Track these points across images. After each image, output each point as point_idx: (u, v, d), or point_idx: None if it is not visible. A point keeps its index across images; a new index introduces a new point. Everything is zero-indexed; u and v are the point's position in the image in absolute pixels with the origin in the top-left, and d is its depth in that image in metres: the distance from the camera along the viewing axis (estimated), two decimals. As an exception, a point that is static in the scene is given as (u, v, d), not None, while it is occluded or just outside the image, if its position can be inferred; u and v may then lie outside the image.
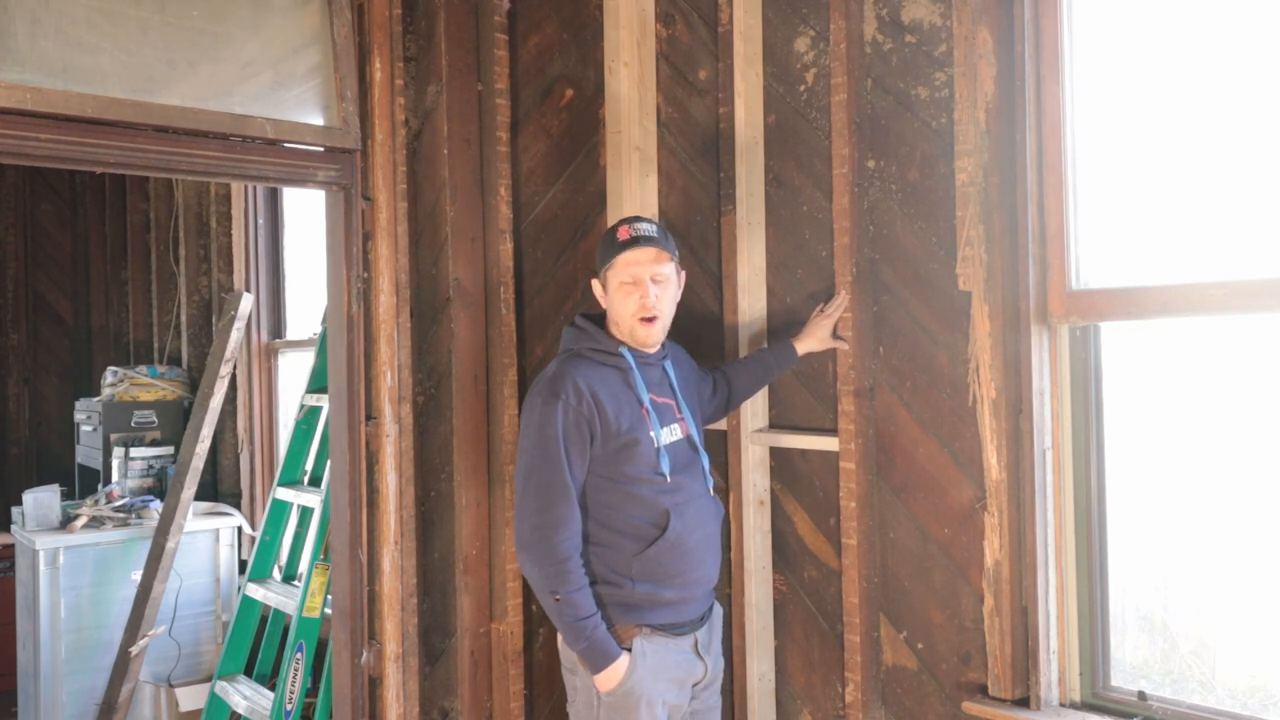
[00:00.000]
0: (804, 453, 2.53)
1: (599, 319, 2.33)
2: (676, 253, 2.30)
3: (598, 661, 2.15)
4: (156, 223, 5.36)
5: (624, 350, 2.26)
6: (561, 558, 2.14)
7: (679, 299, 2.33)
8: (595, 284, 2.33)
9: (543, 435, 2.18)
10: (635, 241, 2.22)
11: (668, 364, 2.34)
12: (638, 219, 2.28)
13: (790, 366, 2.50)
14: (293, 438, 3.81)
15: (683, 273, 2.36)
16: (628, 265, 2.22)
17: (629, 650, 2.17)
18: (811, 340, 2.44)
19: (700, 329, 2.79)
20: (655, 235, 2.24)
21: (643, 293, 2.22)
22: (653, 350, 2.31)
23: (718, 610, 2.40)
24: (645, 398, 2.24)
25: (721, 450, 2.69)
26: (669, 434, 2.26)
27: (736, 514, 2.60)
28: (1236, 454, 2.01)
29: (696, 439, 2.31)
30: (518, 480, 2.23)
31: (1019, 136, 2.13)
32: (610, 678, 2.15)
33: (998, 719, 2.11)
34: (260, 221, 4.79)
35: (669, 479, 2.21)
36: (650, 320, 2.24)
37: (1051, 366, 2.13)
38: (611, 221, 2.96)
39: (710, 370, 2.52)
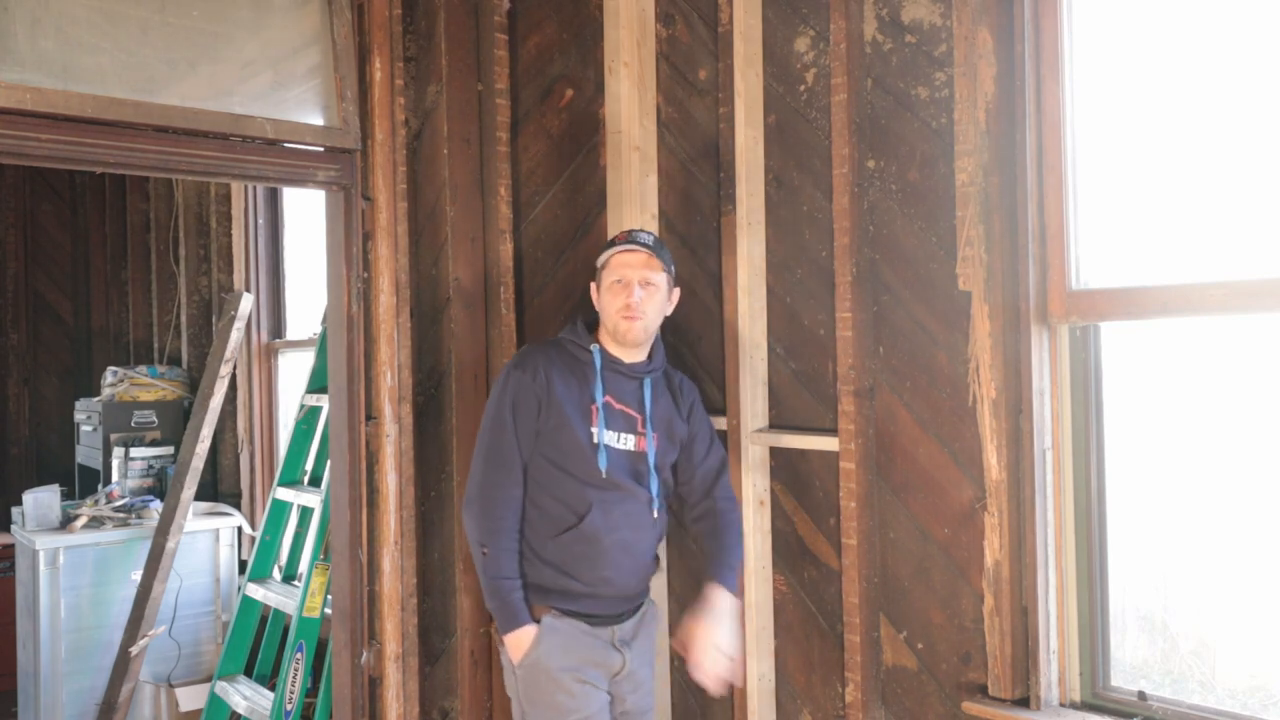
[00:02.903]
0: (804, 453, 2.53)
1: (593, 324, 2.45)
2: (672, 267, 2.42)
3: (506, 622, 2.26)
4: (156, 223, 5.36)
5: (595, 350, 2.37)
6: (497, 515, 2.28)
7: (668, 312, 2.43)
8: (592, 285, 2.45)
9: (498, 403, 2.35)
10: (629, 244, 2.35)
11: (648, 381, 2.41)
12: (639, 230, 2.42)
13: (711, 575, 2.35)
14: (293, 438, 3.81)
15: (676, 290, 2.46)
16: (619, 266, 2.35)
17: (539, 622, 2.28)
18: (699, 632, 2.25)
19: (700, 329, 2.79)
20: (650, 243, 2.36)
21: (629, 293, 2.32)
22: (631, 359, 2.39)
23: (652, 613, 2.49)
24: (599, 397, 2.33)
25: (721, 450, 2.69)
26: (618, 439, 2.35)
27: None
28: (1236, 454, 2.01)
29: (652, 458, 2.38)
30: (477, 442, 2.38)
31: (1019, 136, 2.13)
32: (517, 643, 2.26)
33: (998, 719, 2.11)
34: (260, 221, 4.79)
35: (604, 474, 2.29)
36: (633, 319, 2.33)
37: (1051, 366, 2.14)
38: (612, 221, 2.96)
39: (696, 453, 2.46)
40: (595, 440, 2.31)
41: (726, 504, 2.48)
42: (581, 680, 2.28)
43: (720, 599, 2.28)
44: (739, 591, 2.35)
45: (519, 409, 2.32)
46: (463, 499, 2.46)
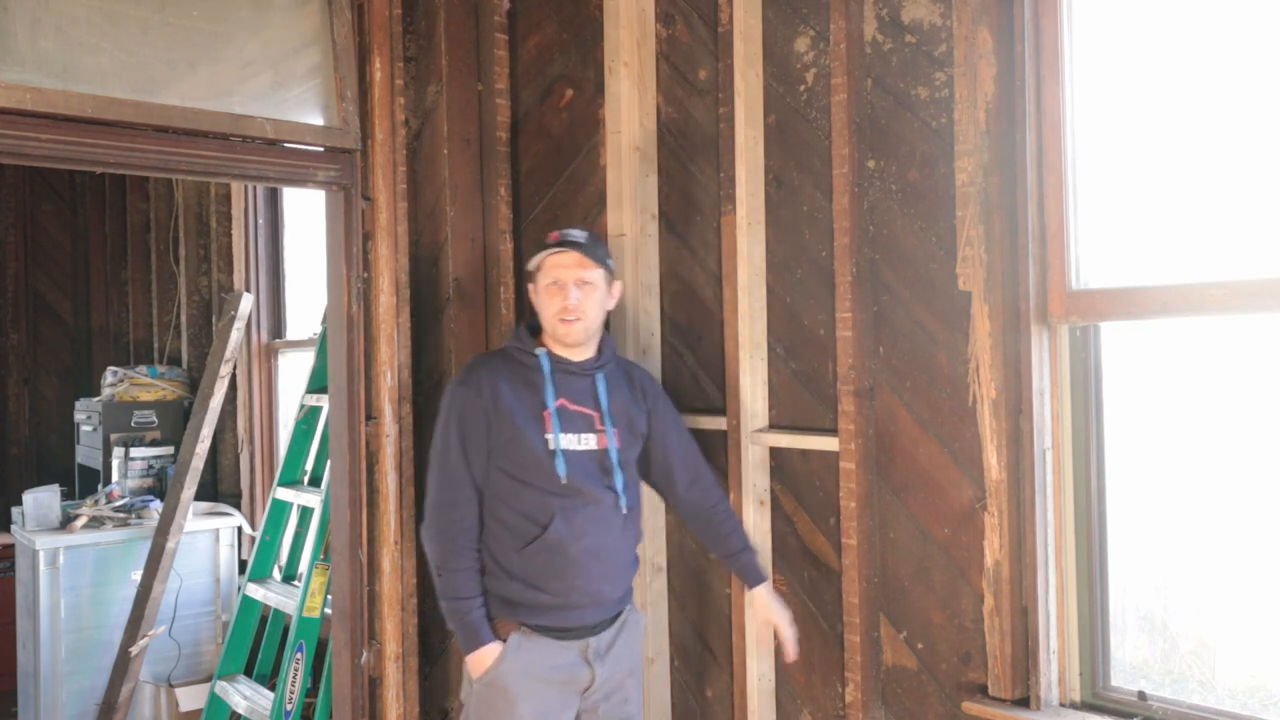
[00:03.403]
0: (804, 453, 2.53)
1: (537, 328, 2.41)
2: (609, 263, 2.38)
3: (468, 642, 2.24)
4: (156, 223, 5.36)
5: (541, 354, 2.33)
6: (450, 536, 2.26)
7: (610, 307, 2.41)
8: (530, 287, 2.41)
9: (446, 420, 2.32)
10: (560, 245, 2.31)
11: (600, 377, 2.38)
12: (572, 227, 2.38)
13: (735, 568, 2.49)
14: (293, 438, 3.81)
15: (617, 284, 2.43)
16: (552, 268, 2.31)
17: (504, 642, 2.24)
18: (762, 607, 2.45)
19: (700, 329, 2.79)
20: (582, 242, 2.32)
21: (565, 295, 2.29)
22: (579, 358, 2.36)
23: (634, 620, 2.43)
24: (551, 402, 2.29)
25: (722, 450, 2.69)
26: (576, 441, 2.30)
27: (737, 514, 2.60)
28: (1237, 454, 2.01)
29: (613, 457, 2.33)
30: (430, 460, 2.35)
31: (1019, 136, 2.13)
32: (478, 662, 2.23)
33: (998, 719, 2.11)
34: (260, 221, 4.80)
35: (564, 480, 2.25)
36: (571, 321, 2.30)
37: (1051, 366, 2.14)
38: (613, 221, 2.96)
39: (673, 451, 2.48)
40: (552, 447, 2.26)
41: (716, 494, 2.49)
42: (539, 703, 2.23)
43: (765, 594, 2.45)
44: (765, 574, 2.48)
45: (466, 427, 2.28)
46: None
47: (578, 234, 2.34)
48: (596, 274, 2.33)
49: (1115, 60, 2.10)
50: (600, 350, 2.42)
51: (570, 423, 2.31)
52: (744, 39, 2.57)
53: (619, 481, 2.33)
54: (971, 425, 2.17)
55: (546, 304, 2.32)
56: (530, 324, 2.43)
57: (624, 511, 2.34)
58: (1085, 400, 2.11)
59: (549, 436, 2.27)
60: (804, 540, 2.54)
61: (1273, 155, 1.88)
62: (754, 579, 2.45)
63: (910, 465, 2.29)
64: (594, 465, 2.32)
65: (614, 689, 2.34)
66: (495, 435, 2.27)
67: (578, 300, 2.29)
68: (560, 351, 2.35)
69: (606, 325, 2.47)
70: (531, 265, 2.37)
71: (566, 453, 2.28)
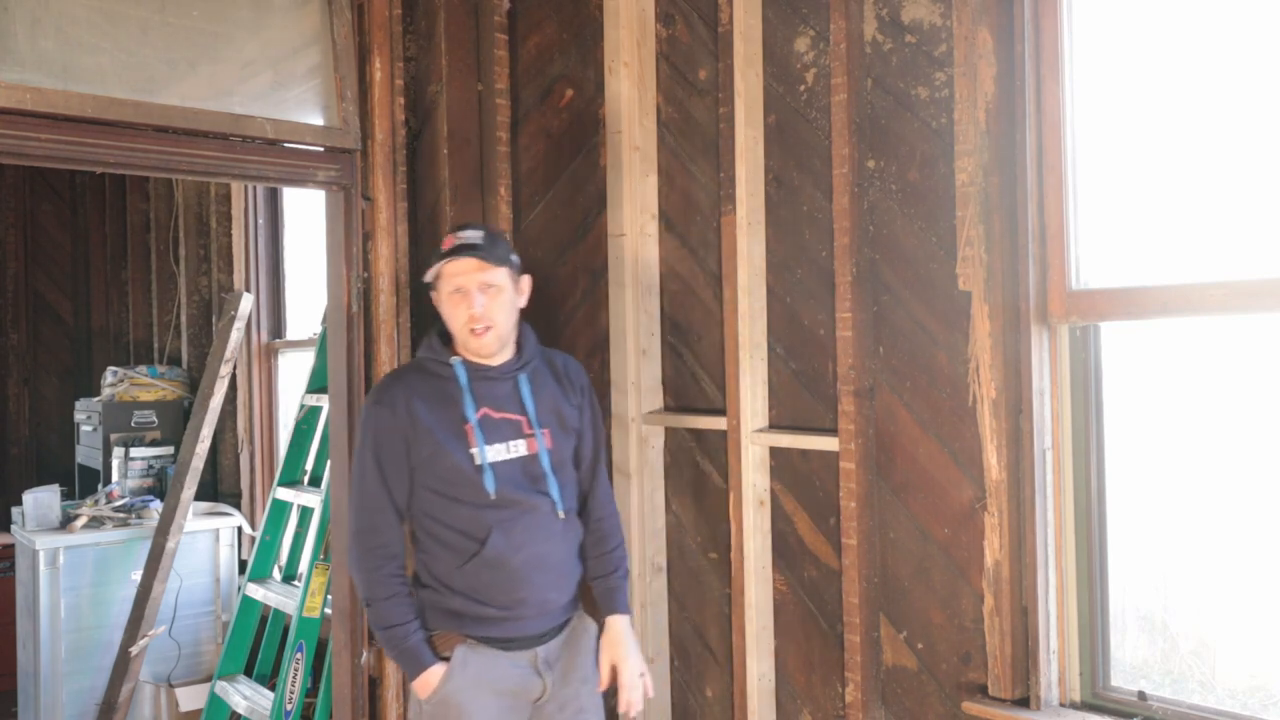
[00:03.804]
0: (804, 453, 2.53)
1: (451, 334, 2.27)
2: (514, 258, 2.24)
3: (411, 668, 2.16)
4: (156, 223, 5.36)
5: (456, 364, 2.21)
6: (372, 566, 2.16)
7: (522, 304, 2.27)
8: (433, 295, 2.27)
9: (362, 443, 2.21)
10: (456, 251, 2.16)
11: (523, 378, 2.27)
12: (466, 226, 2.23)
13: (600, 589, 2.36)
14: (293, 438, 3.81)
15: (525, 278, 2.30)
16: (451, 276, 2.18)
17: (448, 659, 2.16)
18: (614, 644, 2.32)
19: (700, 329, 2.79)
20: (479, 243, 2.17)
21: (469, 303, 2.15)
22: (497, 362, 2.24)
23: (583, 628, 2.33)
24: (471, 414, 2.18)
25: (721, 450, 2.69)
26: (505, 450, 2.20)
27: (736, 514, 2.60)
28: (1237, 454, 2.01)
29: (545, 461, 2.23)
30: (349, 486, 2.26)
31: (1019, 136, 2.13)
32: (424, 685, 2.15)
33: (998, 719, 2.11)
34: (260, 221, 4.80)
35: (493, 495, 2.15)
36: (480, 332, 2.17)
37: (1051, 366, 2.14)
38: (612, 222, 2.96)
39: (591, 451, 2.38)
40: (478, 461, 2.16)
41: (604, 509, 2.39)
42: (490, 716, 2.17)
43: (620, 627, 2.34)
44: (629, 605, 2.39)
45: (383, 449, 2.17)
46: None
47: (473, 234, 2.19)
48: (500, 274, 2.18)
49: (1115, 60, 2.10)
50: (520, 348, 2.29)
51: (496, 432, 2.20)
52: (744, 39, 2.57)
53: (553, 487, 2.23)
54: (971, 425, 2.17)
55: (452, 314, 2.19)
56: (442, 330, 2.28)
57: (562, 516, 2.25)
58: (1085, 400, 2.11)
59: (474, 451, 2.16)
60: (804, 540, 2.54)
61: (1272, 155, 1.88)
62: (616, 607, 2.34)
63: (910, 465, 2.29)
64: (526, 472, 2.22)
65: (568, 699, 2.26)
66: (416, 454, 2.16)
67: (484, 307, 2.16)
68: (477, 359, 2.23)
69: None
70: (429, 276, 2.21)
71: (495, 465, 2.17)
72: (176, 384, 4.88)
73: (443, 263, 2.18)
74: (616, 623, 2.34)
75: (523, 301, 2.28)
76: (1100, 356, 2.11)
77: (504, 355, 2.26)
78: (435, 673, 2.15)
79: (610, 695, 2.34)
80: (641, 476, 2.91)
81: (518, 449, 2.22)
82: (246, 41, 2.74)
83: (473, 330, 2.17)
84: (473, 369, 2.23)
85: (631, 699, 2.31)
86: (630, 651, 2.33)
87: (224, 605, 4.32)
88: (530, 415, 2.25)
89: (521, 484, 2.20)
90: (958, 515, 2.21)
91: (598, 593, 2.37)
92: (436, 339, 2.27)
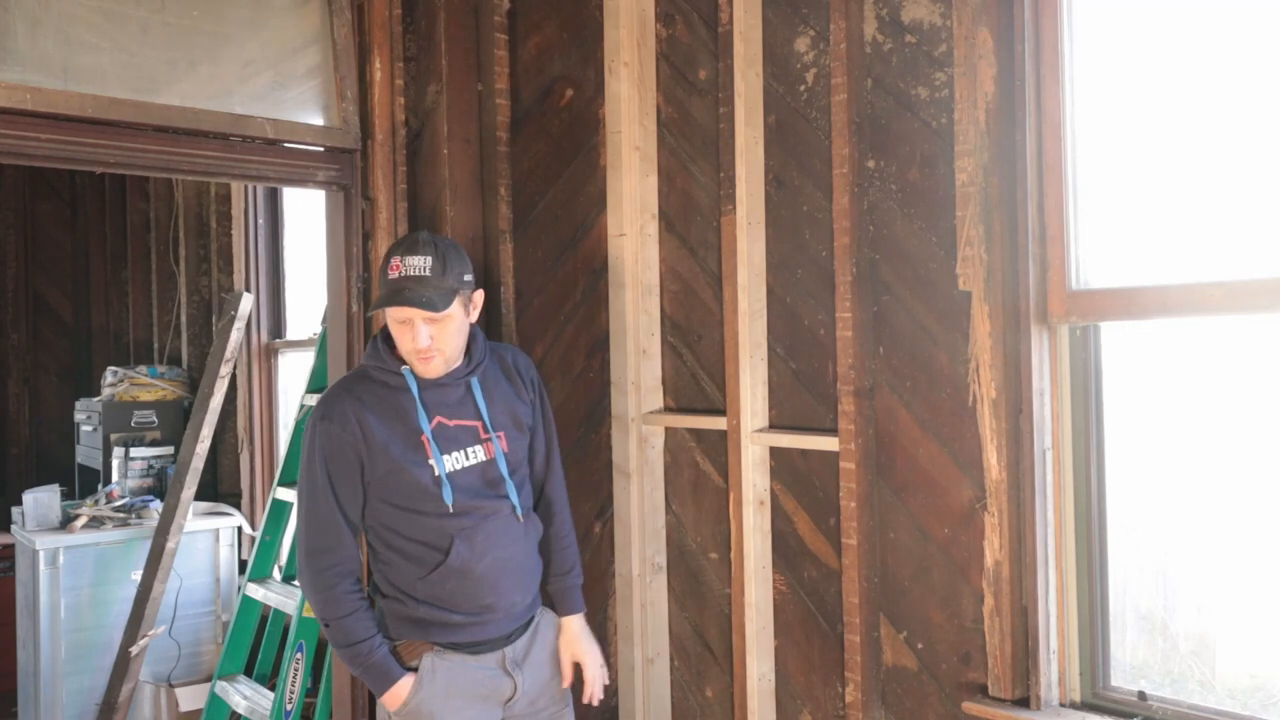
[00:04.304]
0: (804, 453, 2.53)
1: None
2: (465, 281, 2.11)
3: (378, 684, 2.11)
4: (156, 223, 5.36)
5: (406, 372, 2.13)
6: (326, 585, 2.09)
7: (474, 319, 2.20)
8: (376, 315, 2.19)
9: (310, 460, 2.12)
10: (398, 298, 2.04)
11: (474, 381, 2.20)
12: (414, 249, 2.08)
13: (555, 588, 2.36)
14: (293, 438, 3.81)
15: (478, 293, 2.20)
16: (394, 314, 2.09)
17: (415, 669, 2.13)
18: (573, 641, 2.33)
19: (700, 329, 2.79)
20: (427, 279, 2.05)
21: (415, 335, 2.07)
22: (450, 367, 2.18)
23: (546, 621, 2.32)
24: (426, 426, 2.12)
25: (721, 450, 2.69)
26: (460, 459, 2.15)
27: (736, 514, 2.60)
28: (1237, 454, 2.01)
29: (502, 466, 2.19)
30: (296, 501, 2.20)
31: (1019, 136, 2.13)
32: (394, 698, 2.11)
33: (998, 719, 2.11)
34: (260, 221, 4.79)
35: (451, 508, 2.11)
36: (428, 359, 2.10)
37: (1051, 366, 2.14)
38: (613, 221, 2.96)
39: (544, 448, 2.36)
40: (437, 473, 2.10)
41: (558, 505, 2.37)
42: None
43: (577, 626, 2.36)
44: (583, 603, 2.39)
45: (334, 467, 2.09)
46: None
47: (419, 263, 2.05)
48: (449, 310, 2.07)
49: (1115, 60, 2.10)
50: (469, 353, 2.22)
51: (451, 441, 2.15)
52: (744, 39, 2.57)
53: (512, 491, 2.20)
54: (971, 425, 2.17)
55: (399, 338, 2.11)
56: (387, 335, 2.18)
57: (521, 517, 2.22)
58: (1085, 400, 2.11)
59: (432, 463, 2.11)
60: (804, 540, 2.54)
61: (1272, 156, 1.88)
62: (571, 607, 2.35)
63: (910, 465, 2.29)
64: (484, 478, 2.18)
65: (538, 694, 2.26)
66: (371, 471, 2.10)
67: (431, 338, 2.08)
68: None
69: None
70: (371, 308, 2.11)
71: (452, 475, 2.12)
72: (176, 384, 4.88)
73: (386, 305, 2.07)
74: (574, 622, 2.35)
75: (474, 317, 2.20)
76: (1100, 356, 2.11)
77: (453, 362, 2.19)
78: (404, 685, 2.11)
79: (573, 687, 2.36)
80: (641, 476, 2.91)
81: (475, 455, 2.18)
82: (246, 41, 2.74)
83: (422, 358, 2.11)
84: (422, 378, 2.16)
85: (594, 691, 2.36)
86: (590, 647, 2.37)
87: (224, 605, 4.32)
88: (485, 420, 2.20)
89: (480, 491, 2.17)
90: (958, 515, 2.21)
91: (553, 591, 2.36)
92: (383, 345, 2.18)
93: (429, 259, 2.07)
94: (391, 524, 2.14)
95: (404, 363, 2.15)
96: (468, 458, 2.16)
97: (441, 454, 2.13)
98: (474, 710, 2.17)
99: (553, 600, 2.37)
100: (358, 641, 2.09)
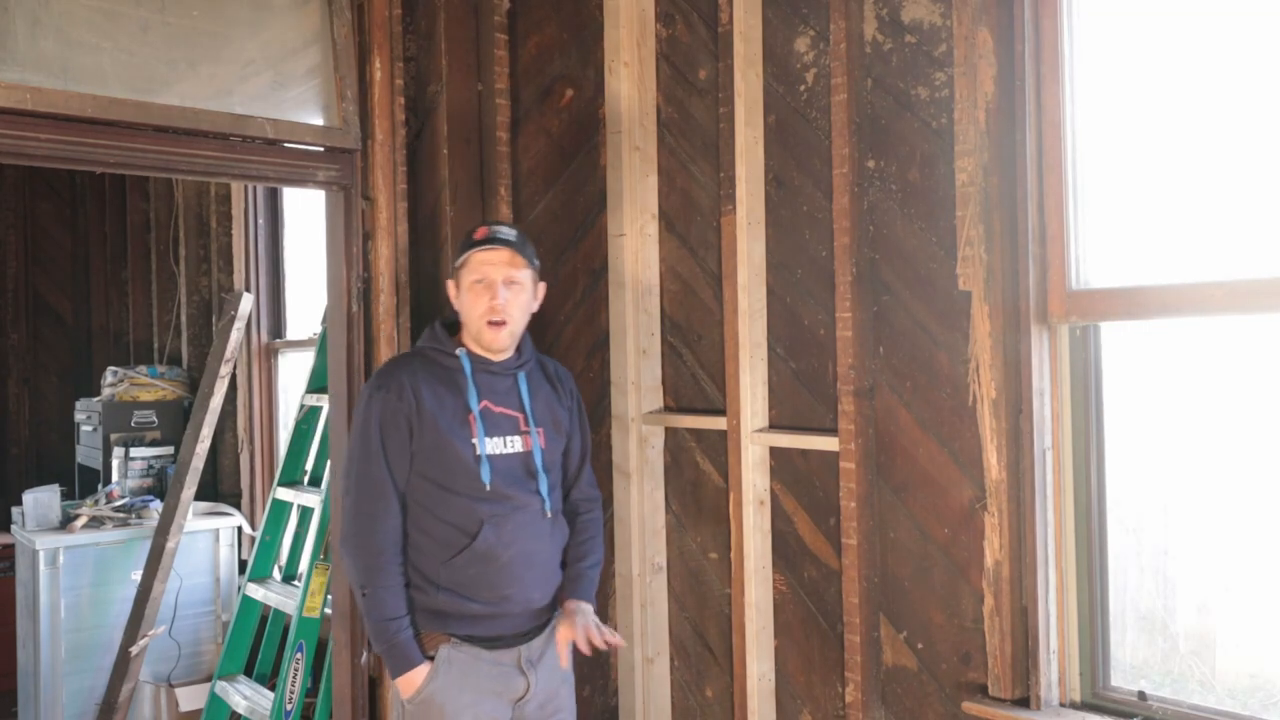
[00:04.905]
0: (804, 453, 2.53)
1: (455, 325, 2.30)
2: (536, 263, 2.28)
3: (396, 665, 2.13)
4: (156, 223, 5.36)
5: (462, 354, 2.22)
6: (375, 551, 2.13)
7: (535, 310, 2.29)
8: (450, 284, 2.29)
9: (364, 427, 2.18)
10: (490, 241, 2.19)
11: (522, 376, 2.28)
12: (499, 223, 2.27)
13: (570, 573, 2.34)
14: (293, 438, 3.81)
15: (541, 285, 2.32)
16: (480, 265, 2.19)
17: (433, 658, 2.15)
18: (573, 617, 2.25)
19: (700, 329, 2.79)
20: (513, 239, 2.22)
21: (492, 294, 2.18)
22: (500, 358, 2.26)
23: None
24: (475, 404, 2.19)
25: (721, 450, 2.69)
26: (501, 445, 2.20)
27: (736, 514, 2.60)
28: (1237, 454, 2.01)
29: (538, 459, 2.24)
30: (343, 474, 2.24)
31: (1019, 136, 2.13)
32: (408, 684, 2.13)
33: (998, 719, 2.11)
34: (260, 221, 4.79)
35: (488, 487, 2.15)
36: (498, 324, 2.19)
37: (1051, 366, 2.14)
38: (612, 221, 2.96)
39: (580, 451, 2.41)
40: (478, 452, 2.16)
41: (586, 504, 2.40)
42: (474, 716, 2.15)
43: (579, 605, 2.28)
44: (593, 597, 2.34)
45: (388, 433, 2.15)
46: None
47: (508, 231, 2.23)
48: (525, 274, 2.22)
49: (1115, 60, 2.10)
50: (520, 349, 2.31)
51: (495, 426, 2.21)
52: (744, 39, 2.57)
53: (544, 485, 2.24)
54: (971, 425, 2.17)
55: (472, 304, 2.20)
56: (445, 321, 2.31)
57: (550, 515, 2.25)
58: (1085, 400, 2.11)
59: (475, 441, 2.17)
60: (804, 540, 2.54)
61: (1272, 156, 1.88)
62: (582, 594, 2.31)
63: (910, 465, 2.29)
64: (520, 469, 2.23)
65: (548, 698, 2.26)
66: (418, 441, 2.16)
67: (505, 301, 2.18)
68: (480, 351, 2.25)
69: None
70: (457, 261, 2.24)
71: (492, 458, 2.18)
72: (176, 384, 4.87)
73: (474, 250, 2.19)
74: (577, 602, 2.29)
75: (535, 306, 2.30)
76: (1100, 356, 2.11)
77: (506, 353, 2.27)
78: (420, 672, 2.14)
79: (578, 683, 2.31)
80: (641, 476, 2.91)
81: (514, 445, 2.23)
82: (246, 41, 2.74)
83: (490, 321, 2.19)
84: (476, 360, 2.24)
85: (589, 636, 2.20)
86: (582, 619, 2.24)
87: (224, 605, 4.32)
88: (528, 412, 2.26)
89: (514, 480, 2.21)
90: (958, 515, 2.21)
91: (569, 575, 2.33)
92: (441, 329, 2.28)
93: (514, 231, 2.25)
94: (425, 502, 2.18)
95: (460, 346, 2.24)
96: (506, 445, 2.22)
97: (485, 435, 2.19)
98: (485, 706, 2.18)
99: (568, 582, 2.32)
100: (390, 618, 2.12)
